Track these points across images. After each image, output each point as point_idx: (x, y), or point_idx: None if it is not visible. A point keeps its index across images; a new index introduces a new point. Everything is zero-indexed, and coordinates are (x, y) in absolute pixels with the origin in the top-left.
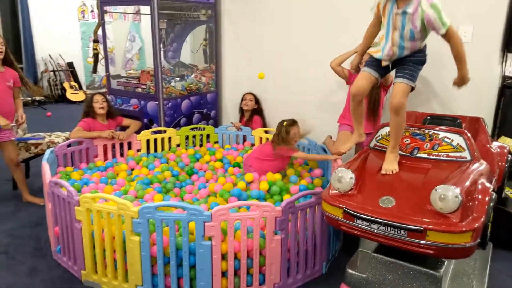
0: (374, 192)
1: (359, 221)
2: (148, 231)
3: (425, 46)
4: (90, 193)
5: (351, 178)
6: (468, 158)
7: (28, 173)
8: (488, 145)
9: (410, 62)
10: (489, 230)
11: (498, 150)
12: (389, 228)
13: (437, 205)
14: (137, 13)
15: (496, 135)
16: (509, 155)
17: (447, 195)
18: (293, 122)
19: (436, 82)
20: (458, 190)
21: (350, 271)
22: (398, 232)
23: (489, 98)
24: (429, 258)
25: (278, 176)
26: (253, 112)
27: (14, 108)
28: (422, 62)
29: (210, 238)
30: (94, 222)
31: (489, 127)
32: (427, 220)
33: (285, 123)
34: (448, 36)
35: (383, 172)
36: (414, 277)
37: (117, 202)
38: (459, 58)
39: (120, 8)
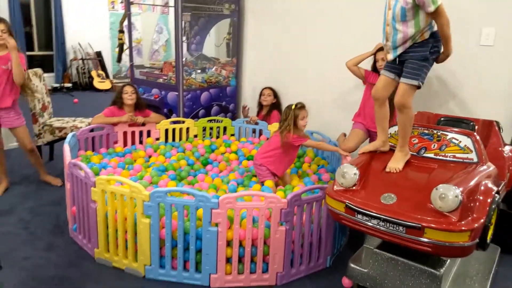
0: (376, 189)
1: (360, 216)
2: (158, 214)
3: (429, 40)
4: (106, 176)
5: (355, 174)
6: (475, 160)
7: (52, 155)
8: (500, 149)
9: (412, 59)
10: (491, 232)
11: (510, 154)
12: (388, 224)
13: (437, 203)
14: (164, 5)
15: None
16: None
17: (447, 194)
18: (301, 106)
19: (456, 84)
20: (458, 190)
21: (352, 265)
22: (397, 228)
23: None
24: (430, 257)
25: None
26: (271, 107)
27: (12, 93)
28: (425, 57)
29: (216, 225)
30: (108, 203)
31: (509, 131)
32: (426, 217)
33: (293, 106)
34: (436, 14)
35: (387, 170)
36: (414, 274)
37: (130, 185)
38: (445, 38)
39: (149, 0)
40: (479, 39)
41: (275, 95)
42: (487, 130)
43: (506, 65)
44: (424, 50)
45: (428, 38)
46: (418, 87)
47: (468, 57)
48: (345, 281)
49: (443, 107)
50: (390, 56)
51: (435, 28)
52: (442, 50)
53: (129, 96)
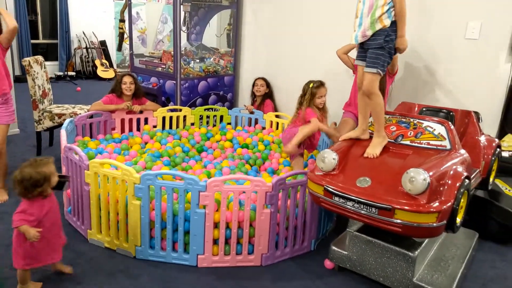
0: (353, 173)
1: (336, 198)
2: (148, 196)
3: (386, 29)
4: (99, 159)
5: (333, 158)
6: (448, 147)
7: (52, 141)
8: (477, 137)
9: (370, 47)
10: (461, 215)
11: (486, 143)
12: (362, 206)
13: (407, 186)
14: None
15: (501, 132)
16: (497, 148)
17: (416, 178)
18: (319, 85)
19: (443, 76)
20: (427, 174)
21: (333, 248)
22: (370, 210)
23: (497, 95)
24: (406, 240)
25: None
26: (264, 97)
27: (7, 78)
28: (380, 45)
29: (204, 207)
30: (100, 186)
31: (496, 124)
32: (396, 200)
33: (311, 84)
34: None
35: (365, 155)
36: (391, 256)
37: (122, 168)
38: (398, 16)
39: None
40: (465, 33)
41: (268, 85)
42: (465, 120)
43: (491, 58)
44: (379, 38)
45: (387, 26)
46: (380, 75)
47: (454, 50)
48: (327, 263)
49: (430, 97)
50: (353, 41)
51: (394, 18)
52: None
53: (127, 87)
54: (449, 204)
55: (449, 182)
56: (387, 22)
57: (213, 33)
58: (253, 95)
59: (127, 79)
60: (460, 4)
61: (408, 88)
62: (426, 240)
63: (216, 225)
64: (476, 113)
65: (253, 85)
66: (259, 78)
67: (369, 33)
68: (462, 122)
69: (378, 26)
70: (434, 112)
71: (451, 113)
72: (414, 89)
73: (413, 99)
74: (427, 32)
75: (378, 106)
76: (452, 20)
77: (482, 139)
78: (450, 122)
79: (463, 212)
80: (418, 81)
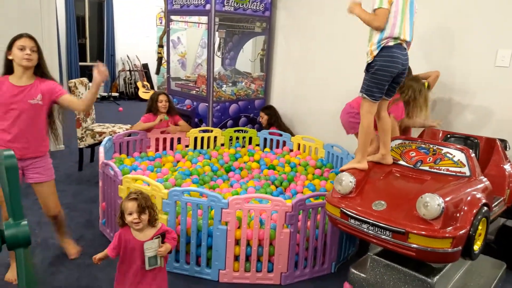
0: (370, 196)
1: (352, 221)
2: (175, 211)
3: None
4: (132, 175)
5: (350, 182)
6: (467, 174)
7: (93, 157)
8: (502, 165)
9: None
10: (480, 242)
11: None
12: (376, 229)
13: (421, 211)
14: (199, 22)
15: None
16: None
17: (430, 203)
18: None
19: (472, 103)
20: (441, 199)
21: (353, 270)
22: (384, 232)
23: None
24: (426, 266)
25: None
26: (268, 126)
27: (44, 134)
28: (367, 70)
29: (226, 224)
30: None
31: None
32: (410, 224)
33: (426, 84)
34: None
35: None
36: (409, 281)
37: (152, 184)
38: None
39: (194, 18)
40: (495, 61)
41: (270, 115)
42: (490, 147)
43: None
44: (368, 63)
45: (375, 55)
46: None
47: (483, 77)
48: (346, 285)
49: (458, 124)
50: None
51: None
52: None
53: (163, 105)
54: (465, 230)
55: (466, 208)
56: (375, 53)
57: (247, 57)
58: (260, 124)
59: (162, 98)
60: (489, 32)
61: (436, 115)
62: (448, 267)
63: (237, 242)
64: (503, 140)
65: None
66: (261, 109)
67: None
68: (486, 149)
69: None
70: (458, 139)
71: (476, 140)
72: (442, 116)
73: (442, 127)
74: (455, 60)
75: (362, 128)
76: (481, 48)
77: (508, 167)
78: (470, 149)
79: (482, 239)
80: (446, 108)
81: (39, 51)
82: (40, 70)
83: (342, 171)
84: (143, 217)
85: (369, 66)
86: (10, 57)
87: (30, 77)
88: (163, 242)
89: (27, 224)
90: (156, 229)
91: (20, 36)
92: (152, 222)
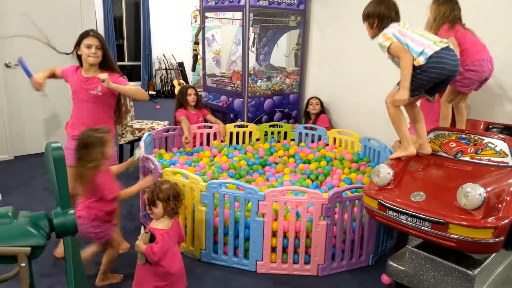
0: (408, 188)
1: (390, 212)
2: (213, 203)
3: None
4: (171, 168)
5: (388, 173)
6: (510, 163)
7: (132, 153)
8: None
9: None
10: None
11: None
12: (415, 220)
13: (462, 201)
14: (234, 18)
15: None
16: None
17: (471, 193)
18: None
19: None
20: (482, 189)
21: (391, 262)
22: (423, 223)
23: None
24: (466, 258)
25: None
26: (318, 114)
27: (104, 122)
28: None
29: (263, 215)
30: None
31: None
32: (450, 214)
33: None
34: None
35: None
36: (449, 273)
37: (191, 177)
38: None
39: (229, 14)
40: None
41: (321, 104)
42: None
43: None
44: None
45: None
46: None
47: None
48: (384, 278)
49: (501, 114)
50: None
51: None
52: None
53: (192, 98)
54: (507, 220)
55: (508, 198)
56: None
57: (281, 52)
58: (307, 114)
59: (191, 91)
60: None
61: (478, 105)
62: (489, 260)
63: (274, 234)
64: None
65: (307, 105)
66: (313, 97)
67: None
68: None
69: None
70: (500, 129)
71: None
72: (484, 105)
73: (485, 116)
74: (498, 46)
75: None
76: None
77: None
78: None
79: None
80: (488, 98)
81: (103, 47)
82: (106, 64)
83: (392, 159)
84: (155, 209)
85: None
86: (79, 53)
87: (96, 70)
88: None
89: (74, 213)
90: (171, 221)
91: (87, 35)
92: (170, 214)
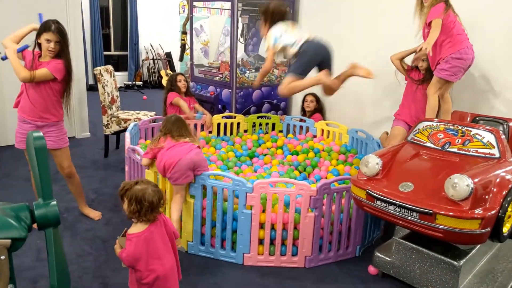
0: (396, 178)
1: (378, 202)
2: (201, 194)
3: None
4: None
5: (377, 163)
6: (497, 155)
7: (118, 144)
8: None
9: None
10: (509, 224)
11: None
12: (403, 210)
13: (450, 192)
14: (222, 8)
15: None
16: None
17: (459, 183)
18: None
19: (504, 86)
20: (470, 180)
21: (378, 254)
22: (411, 214)
23: None
24: (452, 249)
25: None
26: (314, 111)
27: (56, 108)
28: None
29: (251, 207)
30: (159, 184)
31: None
32: (438, 204)
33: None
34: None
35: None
36: (435, 264)
37: None
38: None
39: (218, 4)
40: None
41: (318, 100)
42: None
43: None
44: None
45: None
46: None
47: None
48: (371, 268)
49: (487, 107)
50: None
51: None
52: None
53: (183, 84)
54: (494, 211)
55: (495, 189)
56: None
57: None
58: (303, 110)
59: (180, 77)
60: None
61: (465, 98)
62: (474, 251)
63: (261, 226)
64: None
65: (303, 101)
66: (309, 94)
67: None
68: None
69: None
70: (487, 121)
71: (506, 123)
72: (470, 98)
73: (470, 109)
74: (486, 40)
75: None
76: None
77: None
78: (500, 131)
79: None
80: (474, 90)
81: (62, 42)
82: (60, 54)
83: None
84: (122, 204)
85: None
86: (39, 41)
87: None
88: None
89: (56, 204)
90: (145, 225)
91: (49, 29)
92: (136, 217)
